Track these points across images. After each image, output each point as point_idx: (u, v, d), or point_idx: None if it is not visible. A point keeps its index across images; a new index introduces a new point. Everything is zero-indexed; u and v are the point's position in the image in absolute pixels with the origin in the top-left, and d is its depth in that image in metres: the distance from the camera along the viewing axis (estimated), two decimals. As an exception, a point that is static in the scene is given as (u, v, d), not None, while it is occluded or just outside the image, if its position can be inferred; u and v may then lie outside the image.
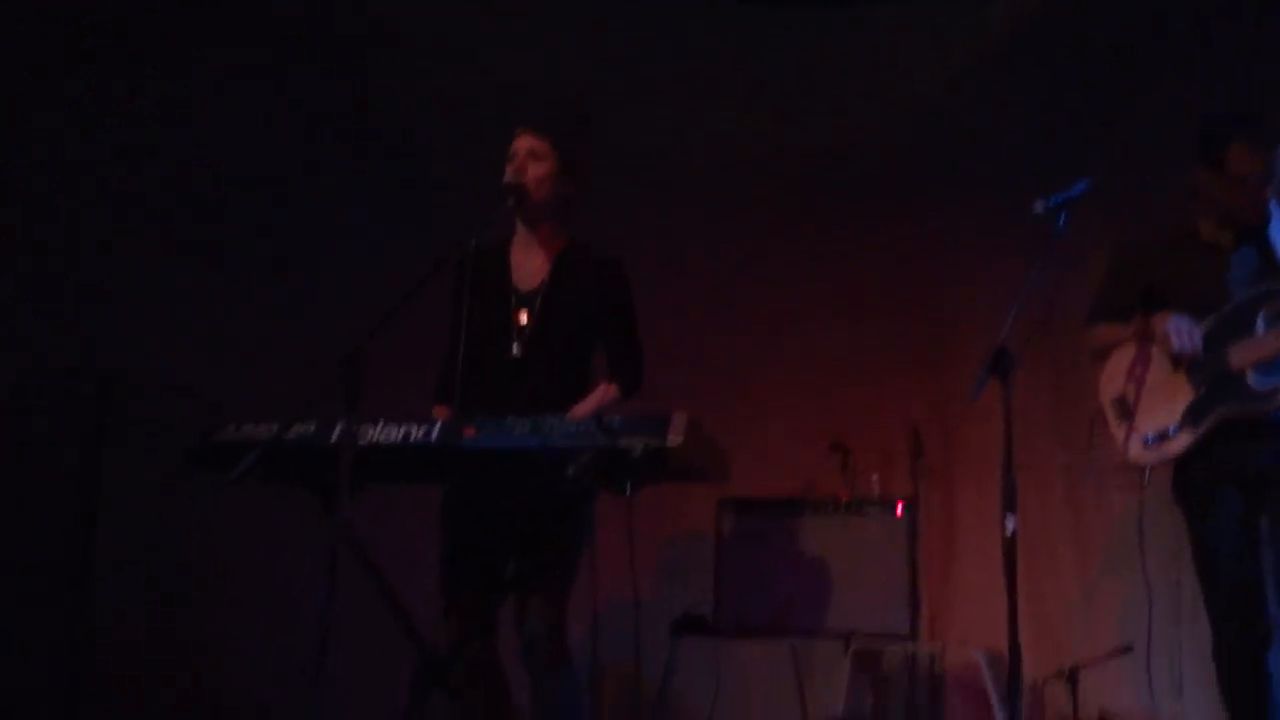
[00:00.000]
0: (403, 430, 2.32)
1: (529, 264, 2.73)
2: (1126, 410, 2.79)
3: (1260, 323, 2.67)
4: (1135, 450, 2.76)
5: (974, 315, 4.16)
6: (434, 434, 2.31)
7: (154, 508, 3.28)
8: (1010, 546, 2.36)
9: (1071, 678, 3.46)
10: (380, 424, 2.33)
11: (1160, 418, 2.75)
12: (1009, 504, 2.39)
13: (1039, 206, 2.52)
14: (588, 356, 2.72)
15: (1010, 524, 2.37)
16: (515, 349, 2.63)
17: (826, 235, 4.51)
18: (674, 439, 2.14)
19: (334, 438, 2.32)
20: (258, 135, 3.82)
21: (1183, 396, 2.74)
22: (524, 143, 2.68)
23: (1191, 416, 2.72)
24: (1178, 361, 2.75)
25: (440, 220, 3.51)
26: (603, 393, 2.63)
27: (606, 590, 2.36)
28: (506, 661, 2.63)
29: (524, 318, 2.65)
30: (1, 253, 3.51)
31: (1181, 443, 2.71)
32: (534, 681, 2.55)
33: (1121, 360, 2.84)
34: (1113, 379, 2.85)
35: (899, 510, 3.75)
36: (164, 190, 3.68)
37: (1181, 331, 2.72)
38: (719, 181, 4.44)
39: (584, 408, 2.58)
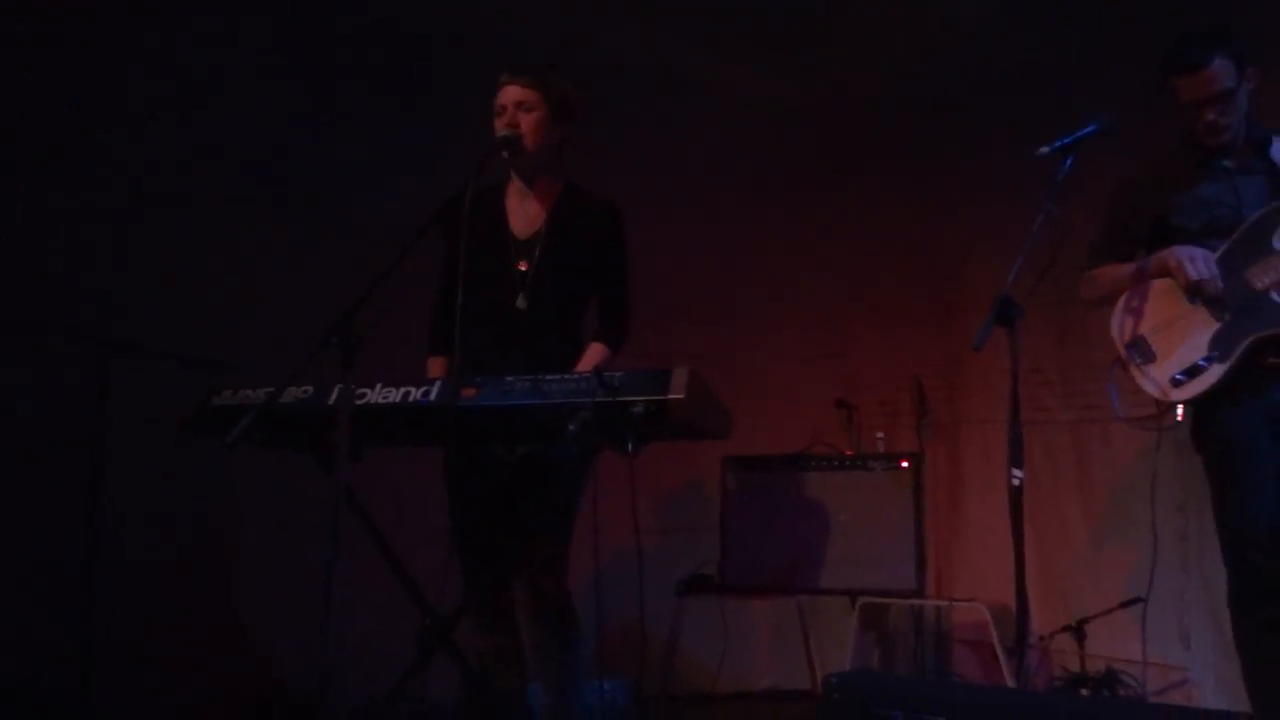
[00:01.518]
0: (401, 392, 2.32)
1: (526, 211, 2.70)
2: (1147, 351, 2.72)
3: (1276, 241, 2.59)
4: (1166, 388, 2.65)
5: (982, 269, 4.13)
6: (432, 394, 2.30)
7: (165, 475, 3.25)
8: (1017, 500, 2.34)
9: (1079, 631, 3.45)
10: (378, 386, 2.32)
11: (1186, 353, 2.63)
12: (1015, 458, 2.36)
13: (1043, 150, 2.46)
14: (585, 308, 2.70)
15: (1017, 477, 2.33)
16: (520, 300, 2.61)
17: (832, 189, 4.49)
18: (676, 394, 2.13)
19: (331, 400, 2.32)
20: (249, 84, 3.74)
21: (1204, 328, 2.62)
22: (511, 94, 2.65)
23: (1221, 346, 2.60)
24: (1193, 293, 2.68)
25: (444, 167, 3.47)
26: (598, 352, 2.63)
27: (610, 548, 2.34)
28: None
29: (523, 266, 2.63)
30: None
31: (1215, 374, 2.57)
32: (535, 640, 2.55)
33: (1131, 301, 2.78)
34: (1125, 322, 2.79)
35: (904, 465, 3.73)
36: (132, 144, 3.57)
37: (1196, 260, 2.62)
38: (724, 133, 4.42)
39: (584, 364, 2.59)
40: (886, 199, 4.40)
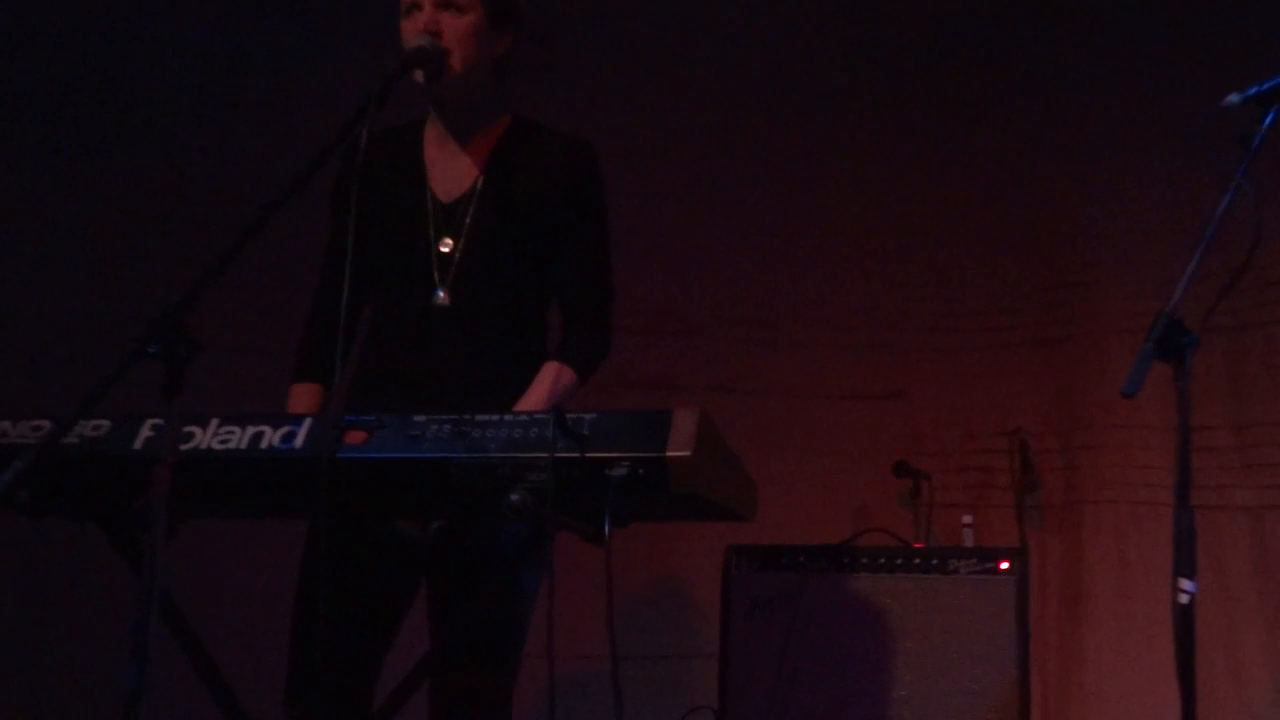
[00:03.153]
0: (250, 433, 2.30)
1: (451, 162, 2.75)
2: None
3: None
4: None
5: (1113, 272, 4.23)
6: (299, 438, 2.28)
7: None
8: (1185, 625, 2.33)
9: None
10: (213, 424, 2.31)
11: None
12: (1184, 561, 2.35)
13: (1231, 99, 2.48)
14: (541, 309, 2.75)
15: (1186, 591, 2.34)
16: (440, 294, 2.65)
17: (889, 147, 4.57)
18: (679, 450, 2.11)
19: (140, 443, 2.31)
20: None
21: None
22: None
23: None
24: None
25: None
26: (555, 376, 2.65)
27: (569, 680, 2.33)
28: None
29: (447, 245, 2.68)
30: None
31: None
32: None
33: None
34: None
35: (1001, 567, 3.75)
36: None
37: None
38: (747, 57, 4.52)
39: (533, 398, 2.59)
40: (967, 162, 4.50)
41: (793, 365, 4.57)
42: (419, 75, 2.62)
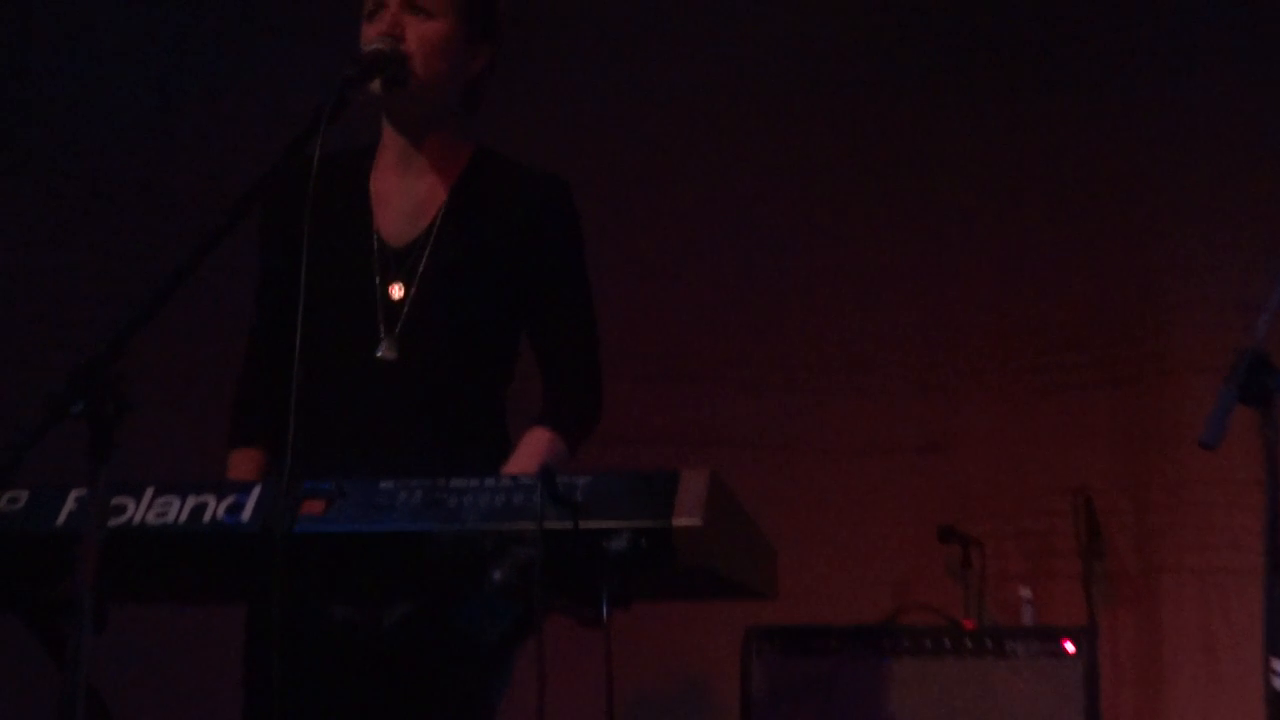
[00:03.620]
0: (191, 504, 2.28)
1: (406, 197, 2.75)
2: None
3: None
4: None
5: (1187, 296, 4.22)
6: (246, 511, 2.27)
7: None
8: (1280, 711, 2.31)
9: None
10: (148, 494, 2.29)
11: None
12: (1277, 638, 2.33)
13: None
14: (510, 357, 2.77)
15: (1281, 675, 2.31)
16: (384, 346, 2.65)
17: (925, 157, 4.57)
18: (687, 519, 2.10)
19: (63, 518, 2.29)
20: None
21: None
22: None
23: None
24: None
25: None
26: (541, 442, 2.64)
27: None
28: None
29: (397, 290, 2.68)
30: None
31: None
32: None
33: None
34: None
35: (1066, 648, 3.71)
36: None
37: None
38: (750, 83, 4.55)
39: (522, 462, 2.57)
40: (1019, 173, 4.50)
41: (817, 415, 4.59)
42: (375, 85, 2.60)
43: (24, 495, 2.32)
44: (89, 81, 4.32)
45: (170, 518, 2.26)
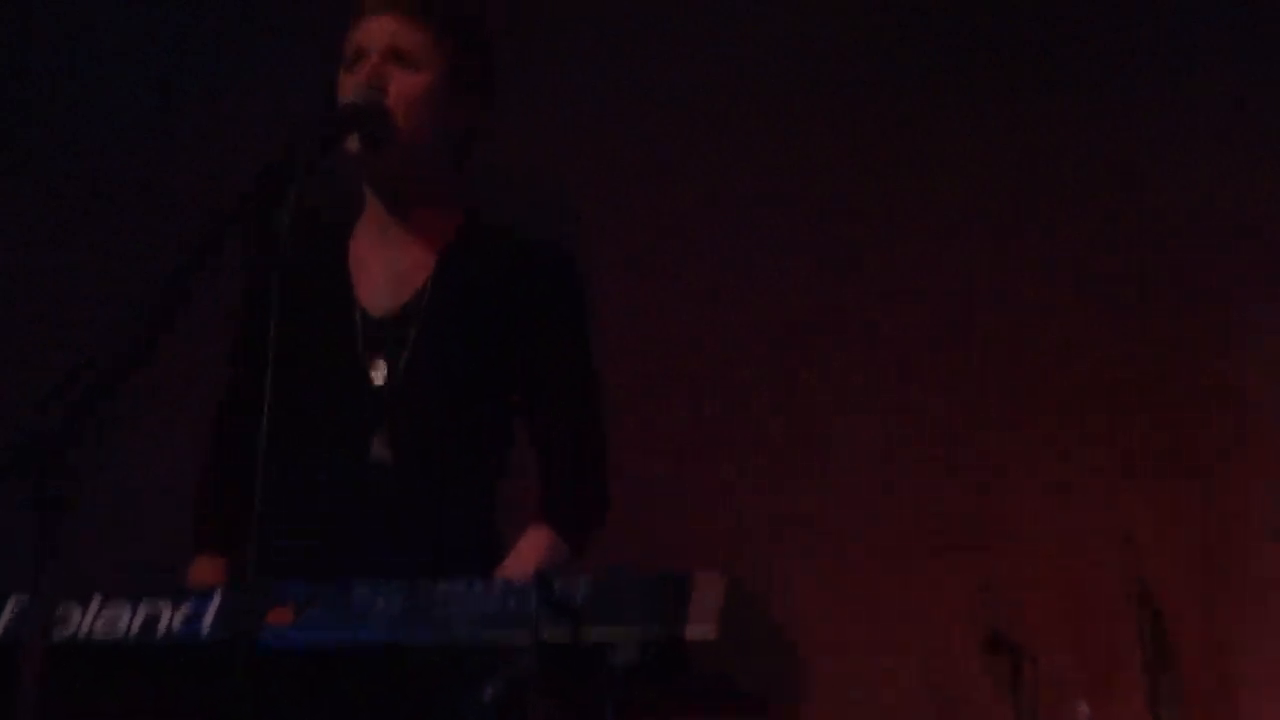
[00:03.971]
0: (144, 613, 2.28)
1: (389, 266, 2.76)
2: None
3: None
4: None
5: (1270, 369, 4.24)
6: (207, 620, 2.26)
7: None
8: None
9: None
10: (95, 600, 2.28)
11: None
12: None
13: None
14: (505, 447, 2.77)
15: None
16: (376, 446, 2.65)
17: (955, 194, 4.60)
18: (700, 628, 2.08)
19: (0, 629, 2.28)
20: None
21: None
22: (382, 29, 2.70)
23: None
24: None
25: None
26: (540, 543, 2.64)
27: None
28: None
29: (381, 371, 2.68)
30: None
31: None
32: None
33: None
34: None
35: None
36: None
37: None
38: (757, 96, 4.63)
39: (517, 565, 2.57)
40: (1067, 212, 4.52)
41: (840, 504, 4.56)
42: (353, 141, 2.61)
43: (-43, 597, 2.31)
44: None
45: (121, 629, 2.24)
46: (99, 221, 4.54)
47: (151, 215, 4.47)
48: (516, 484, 2.79)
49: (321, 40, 2.86)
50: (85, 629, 2.25)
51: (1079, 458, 4.52)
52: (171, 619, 2.25)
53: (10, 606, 2.28)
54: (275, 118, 4.06)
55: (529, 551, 2.61)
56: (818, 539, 4.46)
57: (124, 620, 2.26)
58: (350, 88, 2.66)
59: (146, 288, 2.18)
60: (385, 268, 2.75)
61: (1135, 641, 4.21)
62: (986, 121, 4.67)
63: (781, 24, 4.72)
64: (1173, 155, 4.53)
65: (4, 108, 4.65)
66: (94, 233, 4.51)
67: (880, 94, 4.72)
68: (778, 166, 4.72)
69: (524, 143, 2.95)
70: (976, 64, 4.68)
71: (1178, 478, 4.41)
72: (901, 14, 4.75)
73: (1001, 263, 4.65)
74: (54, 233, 4.52)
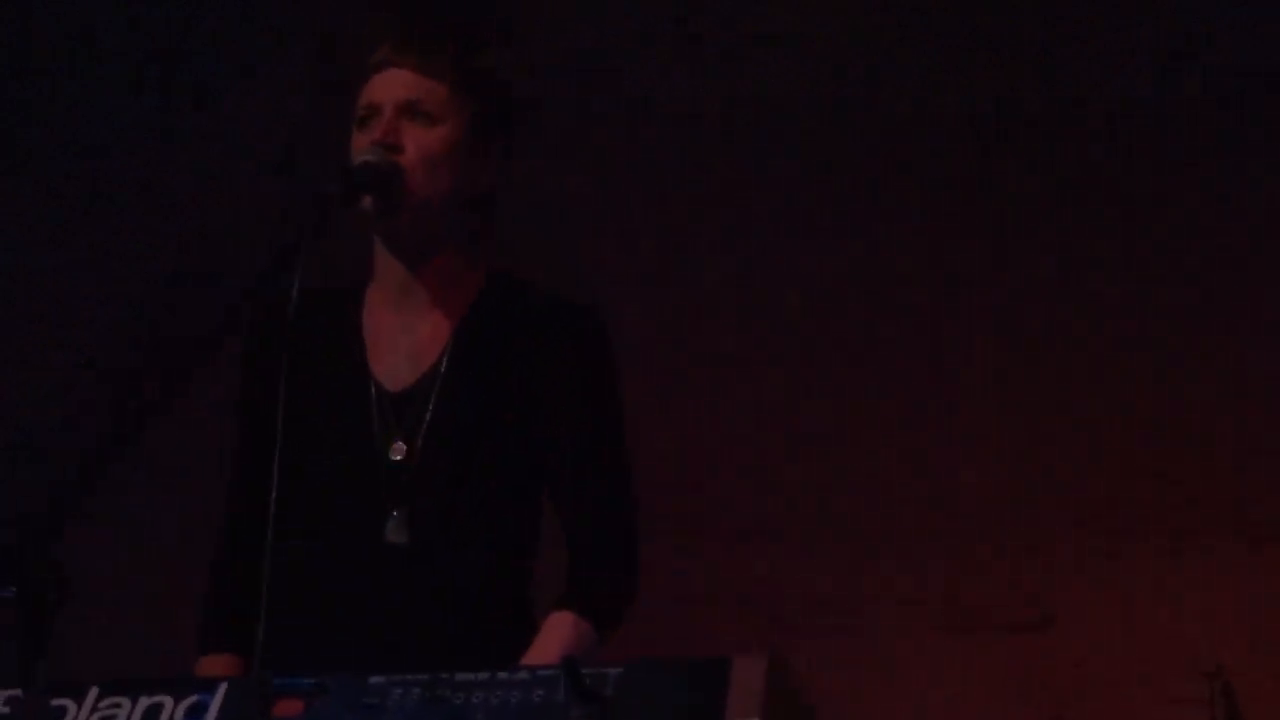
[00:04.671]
0: (145, 706, 2.24)
1: (406, 335, 2.73)
2: None
3: None
4: None
5: None
6: (212, 713, 2.22)
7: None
8: None
9: None
10: (93, 694, 2.23)
11: None
12: None
13: None
14: (534, 526, 2.73)
15: None
16: (392, 528, 2.61)
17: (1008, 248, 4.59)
18: (742, 718, 2.02)
19: None
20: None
21: None
22: (396, 83, 2.67)
23: None
24: None
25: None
26: (565, 629, 2.58)
27: None
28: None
29: (400, 450, 2.64)
30: None
31: None
32: None
33: None
34: None
35: None
36: None
37: None
38: (810, 143, 4.63)
39: (542, 653, 2.50)
40: (1129, 261, 4.51)
41: (888, 584, 4.55)
42: (367, 202, 2.56)
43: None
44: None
45: None
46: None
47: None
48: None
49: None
50: (83, 720, 2.29)
51: (1144, 531, 4.49)
52: (174, 711, 2.20)
53: (2, 700, 2.25)
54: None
55: (550, 639, 2.54)
56: (869, 618, 4.45)
57: (123, 714, 2.21)
58: (362, 146, 2.63)
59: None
60: (401, 336, 2.71)
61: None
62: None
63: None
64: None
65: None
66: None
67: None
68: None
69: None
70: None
71: (1248, 552, 4.37)
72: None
73: (1055, 333, 4.62)
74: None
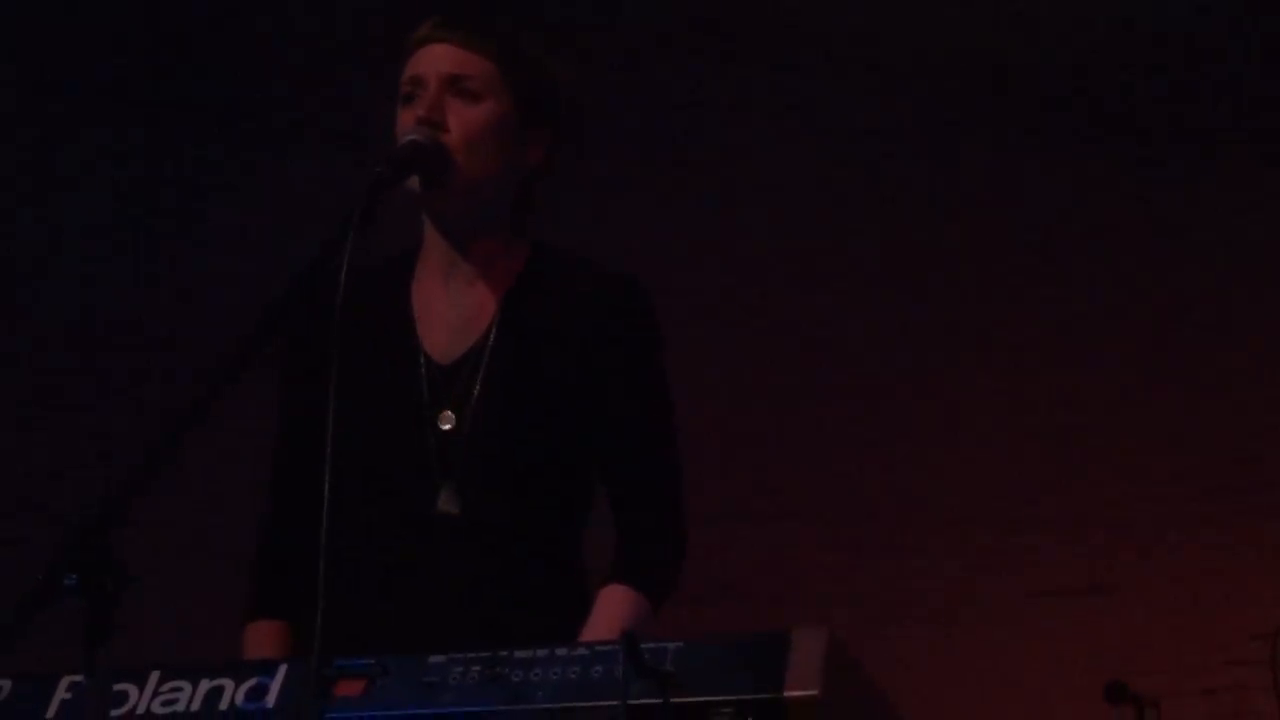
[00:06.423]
0: (205, 688, 2.26)
1: (454, 308, 2.76)
2: None
3: None
4: None
5: None
6: (272, 694, 2.24)
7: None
8: None
9: None
10: (155, 679, 2.26)
11: None
12: None
13: None
14: (586, 496, 2.76)
15: None
16: (444, 499, 2.64)
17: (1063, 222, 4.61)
18: (801, 688, 2.03)
19: (54, 710, 2.27)
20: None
21: None
22: (440, 57, 2.69)
23: None
24: None
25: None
26: (620, 603, 2.60)
27: None
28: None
29: (449, 419, 2.67)
30: None
31: None
32: None
33: None
34: None
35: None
36: None
37: None
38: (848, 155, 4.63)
39: (599, 628, 2.53)
40: (1179, 234, 4.57)
41: (951, 555, 4.55)
42: (414, 181, 2.58)
43: (7, 685, 2.31)
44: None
45: (181, 706, 2.24)
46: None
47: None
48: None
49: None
50: (144, 707, 2.24)
51: (1204, 497, 4.49)
52: (235, 694, 2.24)
53: (62, 686, 2.28)
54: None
55: (606, 613, 2.57)
56: (928, 593, 4.47)
57: (184, 697, 2.25)
58: (408, 124, 2.64)
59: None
60: (450, 310, 2.74)
61: (1269, 688, 4.16)
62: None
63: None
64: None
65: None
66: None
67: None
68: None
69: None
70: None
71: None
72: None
73: (1111, 307, 4.67)
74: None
